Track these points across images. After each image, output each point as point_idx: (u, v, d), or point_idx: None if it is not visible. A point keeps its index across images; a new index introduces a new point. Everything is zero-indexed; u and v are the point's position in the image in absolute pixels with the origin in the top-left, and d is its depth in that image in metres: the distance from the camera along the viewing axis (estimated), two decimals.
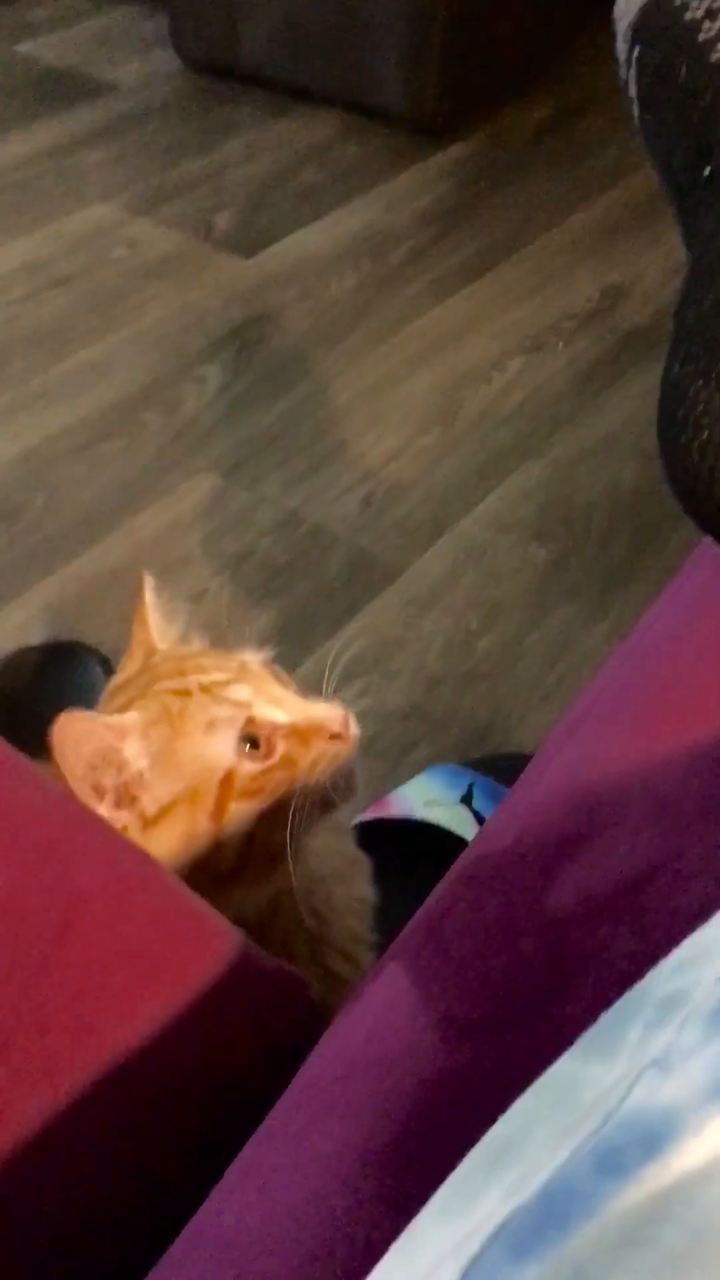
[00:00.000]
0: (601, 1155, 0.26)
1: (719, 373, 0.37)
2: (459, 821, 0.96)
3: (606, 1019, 0.31)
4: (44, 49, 2.22)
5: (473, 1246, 0.25)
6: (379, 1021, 0.37)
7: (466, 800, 0.98)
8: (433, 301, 1.64)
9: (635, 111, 0.49)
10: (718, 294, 0.38)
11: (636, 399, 1.46)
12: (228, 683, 0.67)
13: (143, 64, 2.17)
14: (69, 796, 0.46)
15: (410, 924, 0.41)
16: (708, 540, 0.53)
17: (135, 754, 0.64)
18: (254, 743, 0.66)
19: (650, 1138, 0.25)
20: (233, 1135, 0.39)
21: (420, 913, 0.41)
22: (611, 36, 0.54)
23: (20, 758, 0.46)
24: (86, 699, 1.08)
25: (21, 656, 1.09)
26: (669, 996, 0.30)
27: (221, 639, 0.80)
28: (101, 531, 1.31)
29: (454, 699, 1.14)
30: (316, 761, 0.66)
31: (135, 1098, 0.40)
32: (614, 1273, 0.20)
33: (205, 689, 0.67)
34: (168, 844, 0.63)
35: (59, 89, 2.09)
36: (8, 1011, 0.39)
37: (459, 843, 0.93)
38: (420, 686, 1.15)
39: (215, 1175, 0.37)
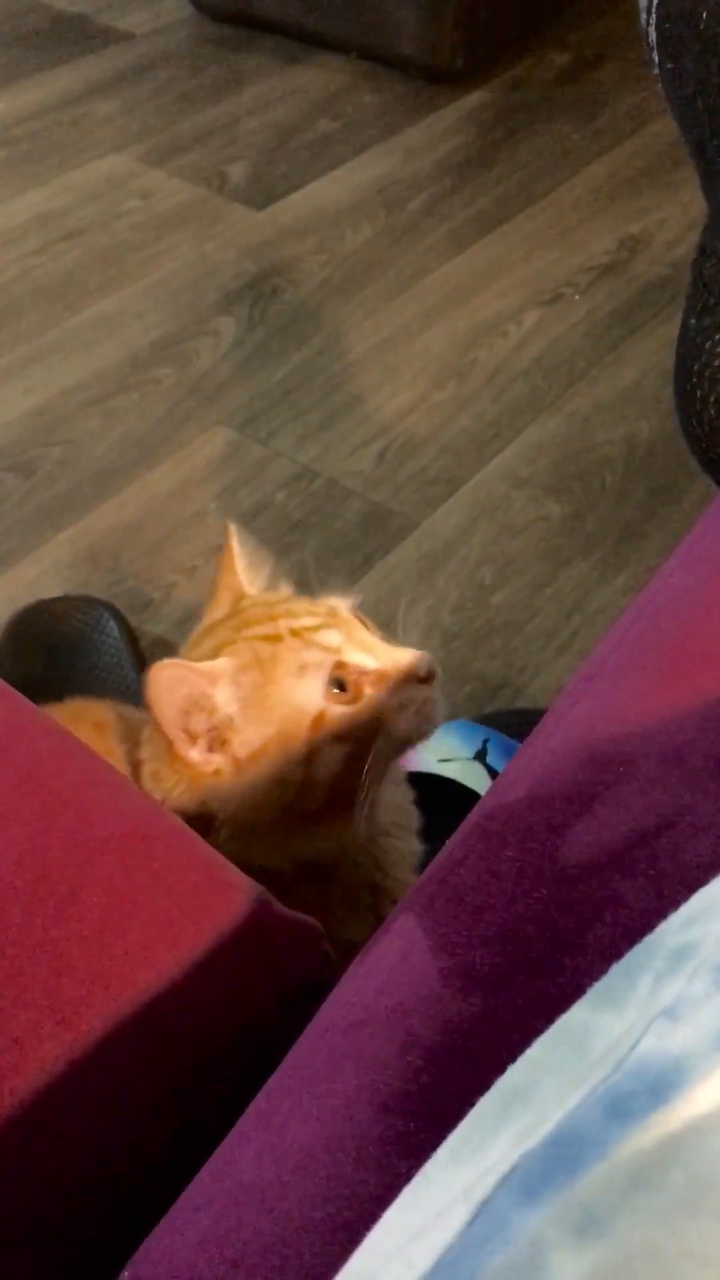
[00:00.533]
0: (611, 1101, 0.26)
1: None
2: (474, 777, 0.96)
3: (617, 970, 0.31)
4: None
5: (482, 1190, 0.26)
6: (393, 970, 0.37)
7: (480, 756, 0.99)
8: (449, 253, 1.62)
9: (655, 59, 0.48)
10: None
11: (654, 352, 1.44)
12: (317, 628, 0.68)
13: (155, 11, 2.14)
14: (87, 748, 0.47)
15: (424, 875, 0.42)
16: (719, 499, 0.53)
17: (226, 699, 0.66)
18: (342, 687, 0.67)
19: (659, 1085, 0.25)
20: (249, 1080, 0.39)
21: (433, 864, 0.42)
22: None
23: (38, 711, 0.46)
24: (101, 651, 1.08)
25: (36, 610, 1.09)
26: (679, 948, 0.31)
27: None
28: (116, 486, 1.30)
29: (468, 654, 1.14)
30: (404, 706, 0.68)
31: (152, 1041, 0.41)
32: (620, 1214, 0.20)
33: (295, 633, 0.68)
34: (259, 786, 0.65)
35: (70, 36, 2.07)
36: (27, 956, 0.39)
37: (474, 797, 0.93)
38: (435, 641, 1.15)
39: (231, 1119, 0.38)
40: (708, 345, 0.37)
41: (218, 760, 0.66)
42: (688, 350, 0.38)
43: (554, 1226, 0.20)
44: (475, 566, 1.22)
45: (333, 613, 0.71)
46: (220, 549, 0.79)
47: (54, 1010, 0.39)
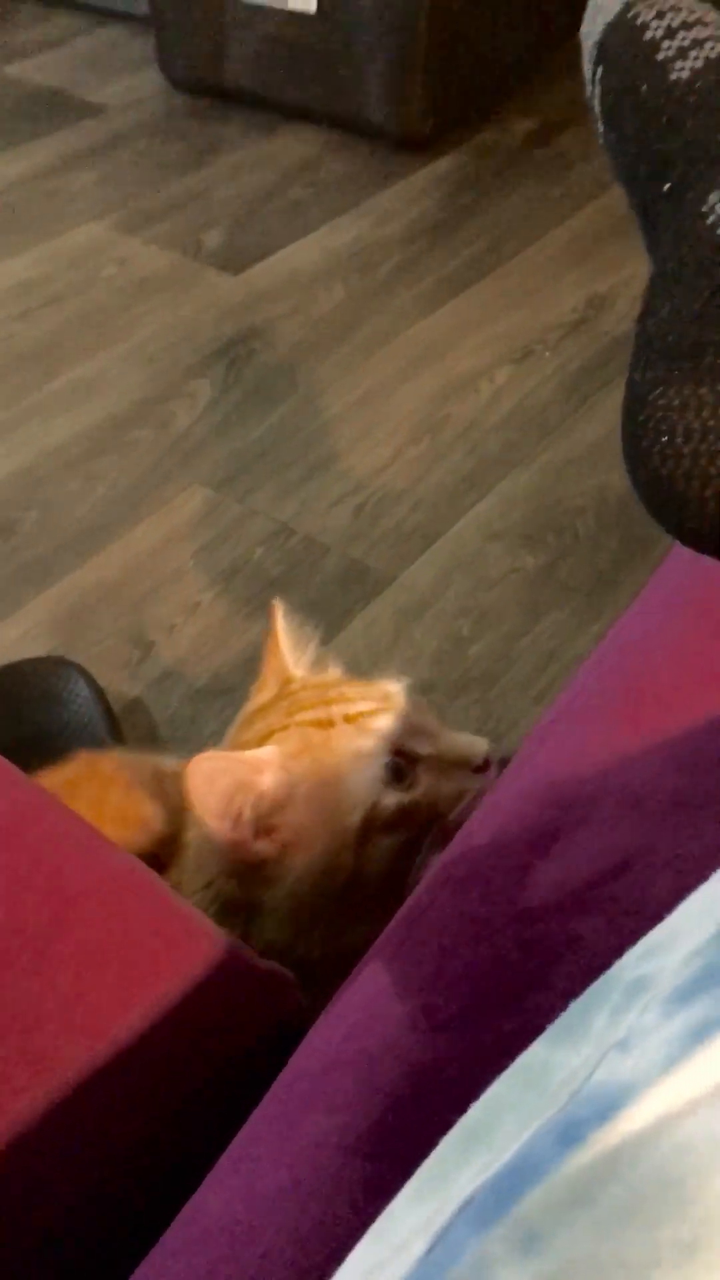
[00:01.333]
0: (563, 1130, 0.27)
1: (677, 379, 0.38)
2: None
3: (575, 1006, 0.32)
4: (32, 71, 2.24)
5: (440, 1220, 0.26)
6: (361, 1016, 0.38)
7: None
8: (421, 313, 1.65)
9: (600, 128, 0.51)
10: (675, 304, 0.39)
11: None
12: (373, 713, 0.66)
13: (130, 85, 2.19)
14: (58, 802, 0.48)
15: (392, 922, 0.43)
16: (677, 546, 0.55)
17: (275, 785, 0.64)
18: (399, 774, 0.65)
19: (607, 1110, 0.26)
20: (224, 1127, 0.40)
21: (402, 911, 0.43)
22: (579, 55, 0.55)
23: (10, 765, 0.47)
24: (71, 710, 1.09)
25: (5, 672, 1.10)
26: (634, 982, 0.31)
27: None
28: (96, 546, 1.32)
29: (447, 705, 1.15)
30: (460, 795, 0.65)
31: (127, 1092, 0.41)
32: (560, 1229, 0.21)
33: (350, 719, 0.66)
34: (307, 876, 0.63)
35: (48, 110, 2.11)
36: (2, 1009, 0.40)
37: None
38: (413, 693, 1.16)
39: (207, 1166, 0.38)
40: (650, 398, 0.38)
41: (265, 847, 0.63)
42: (632, 404, 0.40)
43: (499, 1244, 0.21)
44: (452, 618, 1.23)
45: (388, 697, 0.69)
46: (271, 626, 0.78)
47: (29, 1062, 0.39)
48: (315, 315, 1.65)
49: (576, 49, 0.56)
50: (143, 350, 1.60)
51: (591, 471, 1.39)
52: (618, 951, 0.33)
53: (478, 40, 1.96)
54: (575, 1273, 0.20)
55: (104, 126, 2.07)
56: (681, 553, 0.54)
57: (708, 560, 0.50)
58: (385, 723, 0.66)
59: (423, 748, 0.66)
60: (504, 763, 1.08)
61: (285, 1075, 0.39)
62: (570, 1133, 0.26)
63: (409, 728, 0.66)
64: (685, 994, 0.28)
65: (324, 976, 0.50)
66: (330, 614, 1.24)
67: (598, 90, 0.51)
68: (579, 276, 1.70)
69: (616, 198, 1.69)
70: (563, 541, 1.31)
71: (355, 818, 0.63)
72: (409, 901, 0.43)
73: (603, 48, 0.49)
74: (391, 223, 1.83)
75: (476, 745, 0.67)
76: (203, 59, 2.05)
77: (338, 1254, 0.32)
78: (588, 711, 0.45)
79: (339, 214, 1.85)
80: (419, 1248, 0.26)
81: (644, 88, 0.46)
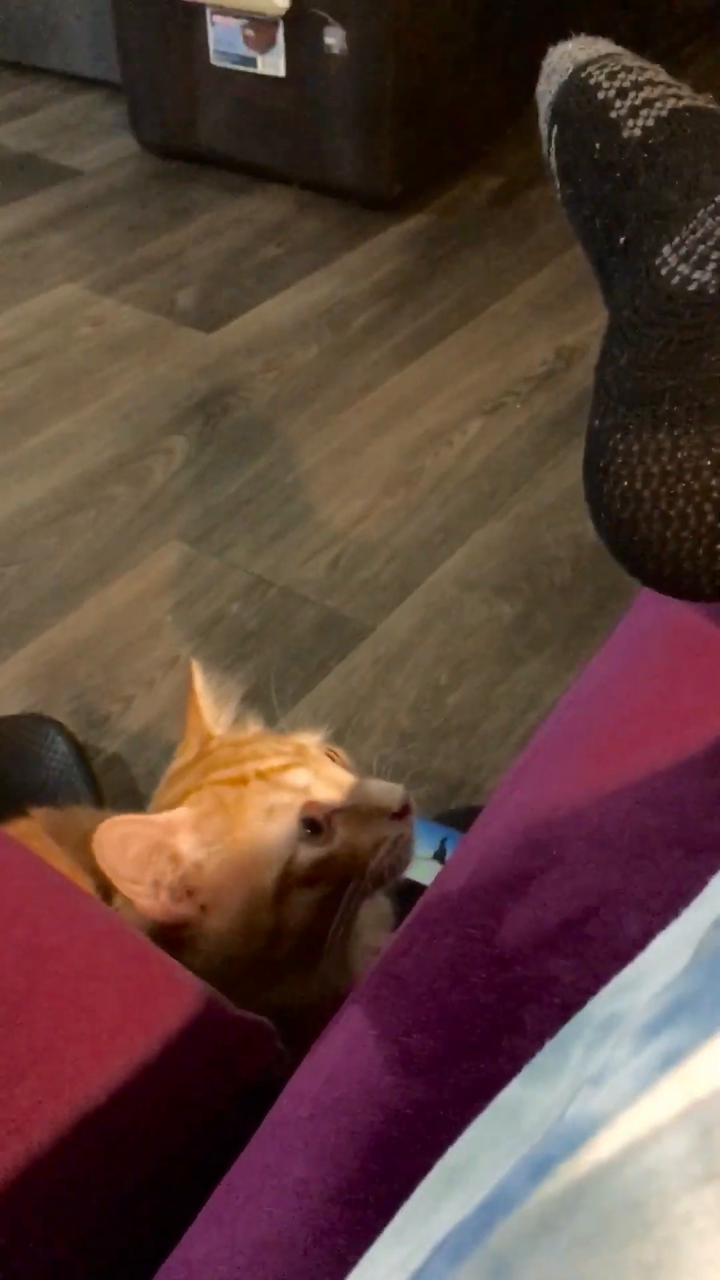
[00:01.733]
0: (535, 1166, 0.27)
1: (636, 426, 0.39)
2: (432, 876, 0.97)
3: (550, 1045, 0.32)
4: (6, 136, 2.28)
5: (417, 1261, 0.26)
6: (340, 1062, 0.38)
7: (440, 856, 0.99)
8: (393, 368, 1.68)
9: (557, 185, 0.52)
10: (632, 353, 0.40)
11: None
12: (285, 768, 0.66)
13: (104, 149, 2.23)
14: (34, 857, 0.48)
15: (371, 968, 0.43)
16: (646, 590, 0.56)
17: (191, 847, 0.63)
18: (315, 827, 0.64)
19: (576, 1142, 0.26)
20: (204, 1180, 0.40)
21: (380, 957, 0.43)
22: (535, 115, 0.57)
23: None
24: (50, 768, 1.09)
25: None
26: (607, 1019, 0.32)
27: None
28: (73, 602, 1.32)
29: (426, 754, 1.16)
30: (378, 844, 0.65)
31: (106, 1148, 0.41)
32: (529, 1258, 0.21)
33: (262, 775, 0.66)
34: (227, 936, 0.62)
35: (23, 175, 2.15)
36: None
37: None
38: (392, 743, 1.17)
39: (188, 1219, 0.38)
40: (609, 444, 0.39)
41: (183, 910, 0.63)
42: (593, 450, 0.41)
43: (468, 1277, 0.21)
44: (430, 668, 1.24)
45: (300, 750, 0.69)
46: (190, 686, 0.77)
47: (6, 1120, 0.39)
48: (289, 371, 1.67)
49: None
50: (118, 408, 1.61)
51: (565, 520, 1.41)
52: (591, 991, 0.34)
53: (444, 102, 2.01)
54: None
55: (79, 190, 2.10)
56: (648, 598, 0.55)
57: (673, 605, 0.51)
58: (298, 777, 0.66)
59: (338, 799, 0.66)
60: (479, 811, 1.08)
61: (266, 1124, 0.39)
62: (542, 1169, 0.27)
63: (323, 779, 0.66)
64: (655, 1027, 0.28)
65: None
66: (308, 665, 1.24)
67: (554, 148, 0.52)
68: (548, 330, 1.73)
69: (582, 253, 1.72)
70: (538, 590, 1.32)
71: (271, 874, 0.63)
72: (385, 948, 0.43)
73: (558, 108, 0.51)
74: (362, 280, 1.86)
75: (392, 793, 0.67)
76: (175, 123, 2.09)
77: None
78: (559, 754, 0.46)
79: (311, 272, 1.88)
80: None
81: (598, 145, 0.47)
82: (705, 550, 0.37)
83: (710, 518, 0.36)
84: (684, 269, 0.39)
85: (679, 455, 0.37)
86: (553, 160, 0.52)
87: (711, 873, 0.36)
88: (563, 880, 0.40)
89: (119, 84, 2.19)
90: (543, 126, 0.56)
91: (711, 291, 0.38)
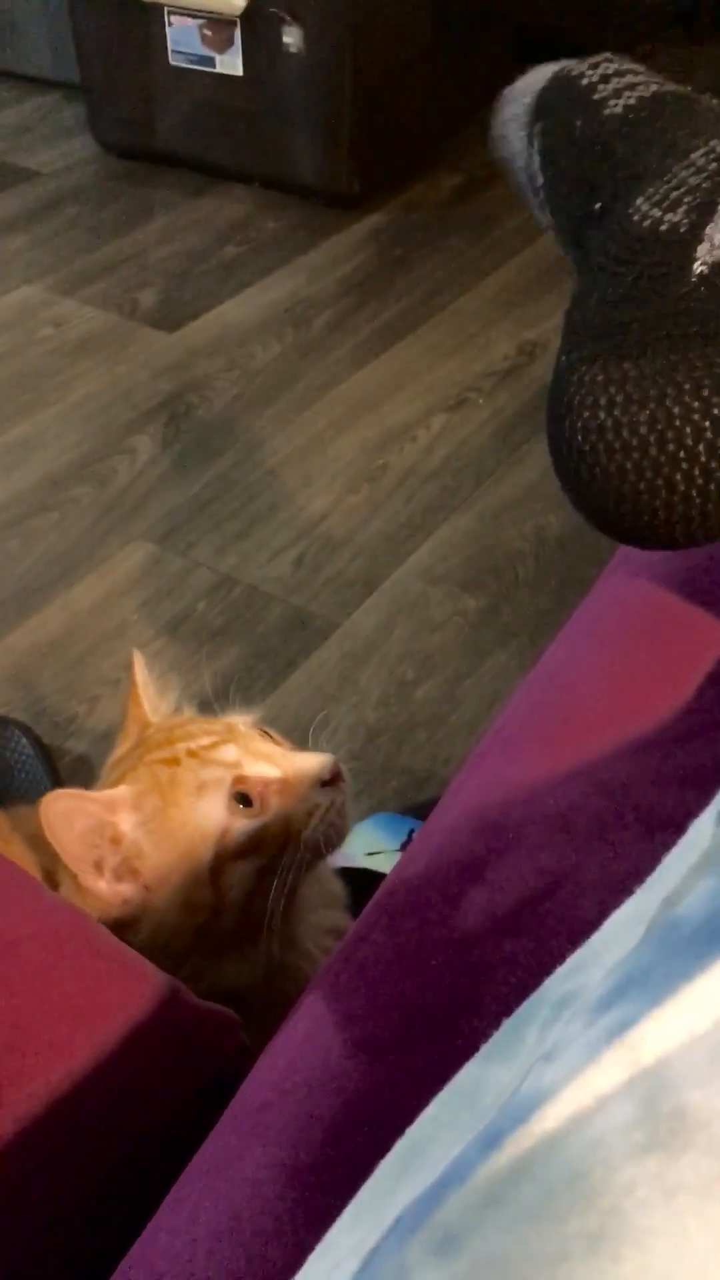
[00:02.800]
0: (487, 1141, 0.27)
1: (602, 356, 0.39)
2: None
3: (507, 1025, 0.32)
4: None
5: (372, 1240, 0.26)
6: (300, 1048, 0.38)
7: (406, 847, 0.99)
8: (356, 365, 1.68)
9: (539, 171, 0.53)
10: (600, 292, 0.41)
11: None
12: (214, 745, 0.68)
13: (64, 150, 2.22)
14: None
15: (331, 955, 0.43)
16: (603, 576, 0.56)
17: (130, 826, 0.64)
18: (247, 800, 0.65)
19: (525, 1115, 0.26)
20: (167, 1171, 0.39)
21: (340, 944, 0.43)
22: (495, 117, 0.58)
23: None
24: (15, 770, 1.08)
25: None
26: (562, 998, 0.32)
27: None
28: (38, 604, 1.32)
29: (393, 749, 1.16)
30: (310, 812, 0.66)
31: (68, 1140, 0.41)
32: (476, 1229, 0.21)
33: (193, 754, 0.67)
34: (170, 913, 0.63)
35: None
36: None
37: None
38: (360, 738, 1.17)
39: (151, 1210, 0.38)
40: (574, 377, 0.40)
41: (126, 890, 0.64)
42: (558, 385, 0.41)
43: (417, 1249, 0.21)
44: (396, 663, 1.24)
45: (229, 728, 0.70)
46: (131, 678, 0.78)
47: None
48: (252, 370, 1.67)
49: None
50: (81, 409, 1.61)
51: (528, 515, 1.42)
52: (548, 971, 0.34)
53: (403, 100, 2.02)
54: (487, 1271, 0.20)
55: (37, 191, 2.09)
56: (601, 586, 0.56)
57: (627, 591, 0.51)
58: (227, 753, 0.67)
59: (268, 771, 0.67)
60: None
61: (228, 1113, 0.39)
62: (493, 1142, 0.27)
63: (252, 754, 0.67)
64: (606, 1002, 0.29)
65: None
66: (275, 663, 1.24)
67: (537, 144, 0.53)
68: (509, 325, 1.73)
69: (542, 248, 1.74)
70: (503, 584, 1.33)
71: (207, 849, 0.64)
72: (346, 934, 0.43)
73: (539, 106, 0.52)
74: (324, 278, 1.86)
75: (321, 760, 0.68)
76: (134, 123, 2.08)
77: None
78: (515, 740, 0.46)
79: (272, 271, 1.88)
80: (351, 1267, 0.26)
81: (579, 123, 0.48)
82: (665, 482, 0.37)
83: (671, 446, 0.36)
84: (656, 213, 0.39)
85: (644, 383, 0.37)
86: (536, 156, 0.52)
87: (666, 852, 0.36)
88: (519, 862, 0.40)
89: (77, 84, 2.18)
90: (510, 128, 0.56)
91: (683, 230, 0.39)
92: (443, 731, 1.18)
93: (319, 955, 0.70)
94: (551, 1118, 0.23)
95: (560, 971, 0.33)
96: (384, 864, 0.97)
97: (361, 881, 0.94)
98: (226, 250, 1.94)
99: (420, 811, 1.06)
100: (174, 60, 1.97)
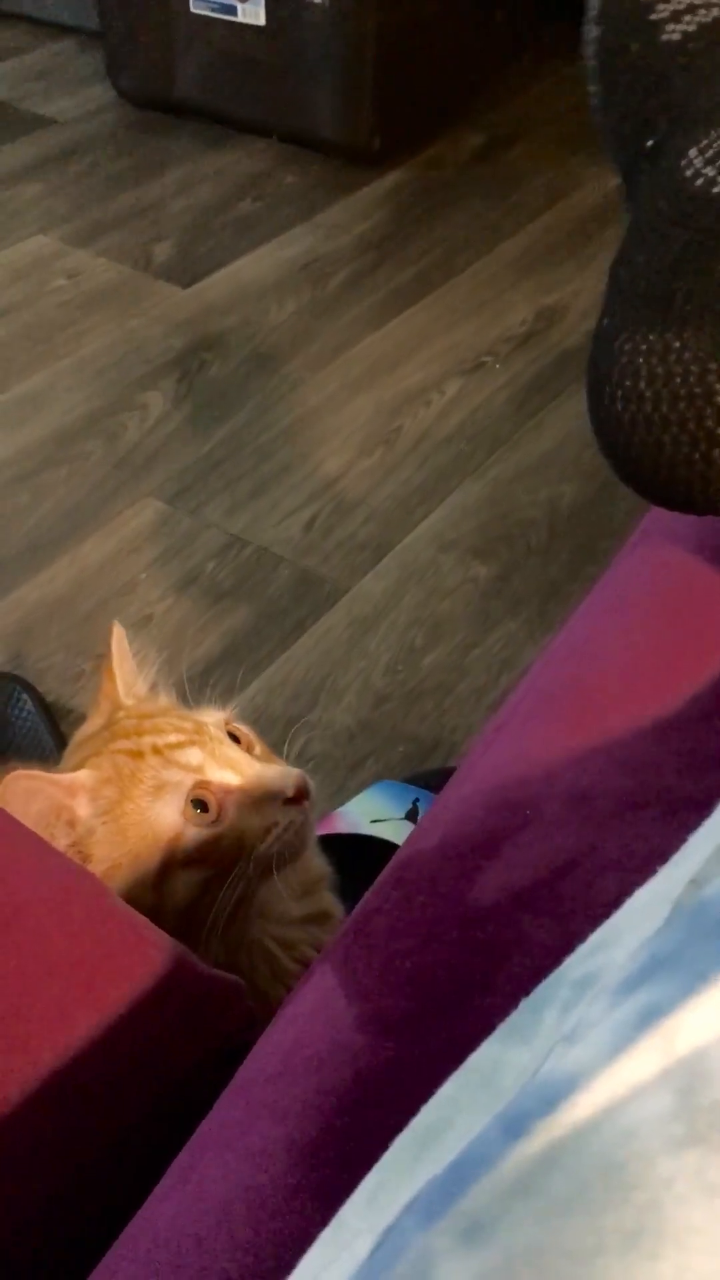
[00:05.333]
0: (507, 1122, 0.27)
1: (646, 325, 0.38)
2: (405, 836, 0.96)
3: (525, 1004, 0.32)
4: None
5: (387, 1220, 0.26)
6: (309, 1022, 0.38)
7: (412, 815, 0.99)
8: (372, 326, 1.66)
9: (590, 88, 0.51)
10: (647, 254, 0.39)
11: (573, 418, 1.48)
12: (179, 745, 0.65)
13: (80, 98, 2.19)
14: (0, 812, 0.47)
15: (342, 927, 0.42)
16: (625, 548, 0.55)
17: (88, 813, 0.63)
18: (204, 807, 0.64)
19: (553, 1099, 0.26)
20: (172, 1141, 0.39)
21: (351, 916, 0.42)
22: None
23: None
24: (16, 727, 1.08)
25: None
26: (582, 978, 0.31)
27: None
28: (46, 559, 1.31)
29: (400, 715, 1.15)
30: (268, 829, 0.64)
31: (72, 1108, 0.41)
32: (504, 1219, 0.20)
33: (157, 751, 0.65)
34: None
35: None
36: None
37: None
38: (367, 704, 1.16)
39: (155, 1180, 0.38)
40: (616, 343, 0.38)
41: None
42: (599, 349, 0.40)
43: (442, 1236, 0.21)
44: (405, 629, 1.24)
45: (199, 729, 0.67)
46: (107, 651, 0.75)
47: None
48: (266, 328, 1.65)
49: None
50: (92, 363, 1.59)
51: (542, 483, 1.40)
52: (566, 951, 0.33)
53: (427, 57, 1.98)
54: (518, 1263, 0.19)
55: (53, 139, 2.06)
56: (624, 558, 0.55)
57: (652, 562, 0.50)
58: (191, 756, 0.65)
59: (230, 780, 0.65)
60: (452, 772, 1.08)
61: (234, 1084, 0.39)
62: (515, 1125, 0.26)
63: (217, 760, 0.65)
64: (632, 983, 0.28)
65: None
66: (283, 626, 1.23)
67: (593, 49, 0.51)
68: (528, 290, 1.71)
69: (564, 212, 1.71)
70: (515, 552, 1.32)
71: (155, 853, 0.62)
72: (356, 908, 0.43)
73: (602, 14, 0.49)
74: (342, 236, 1.84)
75: (286, 777, 0.65)
76: (153, 72, 2.05)
77: (288, 1263, 0.31)
78: (533, 715, 0.45)
79: (289, 227, 1.86)
80: (365, 1246, 0.26)
81: (635, 47, 0.46)
82: (702, 456, 0.36)
83: (710, 422, 0.35)
84: (709, 171, 0.38)
85: (685, 356, 0.36)
86: (591, 61, 0.50)
87: (688, 832, 0.36)
88: (537, 839, 0.39)
89: (96, 31, 2.14)
90: (587, 32, 0.54)
91: None
92: (450, 700, 1.17)
93: (280, 953, 0.68)
94: (583, 1106, 0.22)
95: (580, 951, 0.33)
96: (389, 831, 0.97)
97: (366, 849, 0.94)
98: (243, 205, 1.91)
99: (426, 780, 1.05)
100: (195, 8, 1.93)
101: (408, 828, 0.98)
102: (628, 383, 0.38)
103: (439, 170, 2.00)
